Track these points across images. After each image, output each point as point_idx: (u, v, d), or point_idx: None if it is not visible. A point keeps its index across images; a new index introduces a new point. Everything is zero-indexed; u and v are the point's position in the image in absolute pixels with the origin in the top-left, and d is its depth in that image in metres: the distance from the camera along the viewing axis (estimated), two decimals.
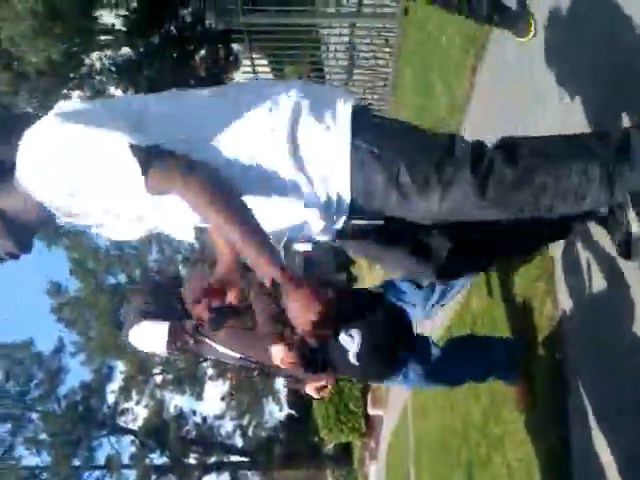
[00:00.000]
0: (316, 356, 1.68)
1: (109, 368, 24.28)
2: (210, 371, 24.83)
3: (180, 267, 24.16)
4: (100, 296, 21.79)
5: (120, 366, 24.02)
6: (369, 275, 13.08)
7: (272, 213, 1.53)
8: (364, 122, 1.55)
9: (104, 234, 1.67)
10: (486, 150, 1.57)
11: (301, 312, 1.38)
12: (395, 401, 9.61)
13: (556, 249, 2.83)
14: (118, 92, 12.91)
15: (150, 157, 1.40)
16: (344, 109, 1.54)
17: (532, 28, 3.22)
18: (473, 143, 1.59)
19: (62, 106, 1.49)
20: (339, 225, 1.61)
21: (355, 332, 1.54)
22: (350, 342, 1.56)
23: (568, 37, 2.88)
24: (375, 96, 8.43)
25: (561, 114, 2.77)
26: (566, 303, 2.73)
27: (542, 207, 1.57)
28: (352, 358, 1.57)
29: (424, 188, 1.51)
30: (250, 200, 1.47)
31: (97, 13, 10.95)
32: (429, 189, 1.51)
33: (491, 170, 1.52)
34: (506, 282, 3.59)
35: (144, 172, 1.39)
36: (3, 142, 1.47)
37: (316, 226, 1.58)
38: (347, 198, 1.53)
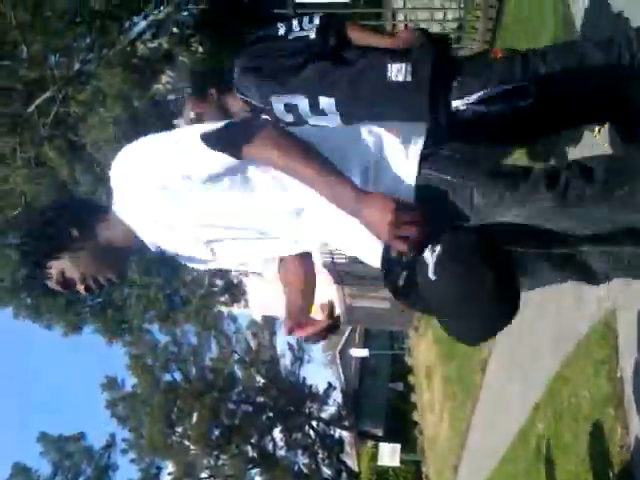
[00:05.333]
0: (397, 269, 1.45)
1: (157, 468, 23.88)
2: (258, 478, 24.11)
3: (235, 367, 24.10)
4: (155, 394, 21.81)
5: (169, 467, 23.63)
6: (426, 384, 12.68)
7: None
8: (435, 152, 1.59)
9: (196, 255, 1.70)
10: (561, 170, 1.55)
11: (377, 217, 1.35)
12: None
13: (626, 369, 2.70)
14: None
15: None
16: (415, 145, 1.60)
17: None
18: (547, 167, 1.58)
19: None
20: None
21: (439, 246, 1.33)
22: (430, 255, 1.34)
23: None
24: None
25: None
26: (638, 429, 2.58)
27: (618, 222, 1.54)
28: (431, 273, 1.33)
29: (499, 204, 1.49)
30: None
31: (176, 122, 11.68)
32: (504, 204, 1.49)
33: (569, 187, 1.50)
34: (573, 404, 3.43)
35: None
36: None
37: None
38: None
